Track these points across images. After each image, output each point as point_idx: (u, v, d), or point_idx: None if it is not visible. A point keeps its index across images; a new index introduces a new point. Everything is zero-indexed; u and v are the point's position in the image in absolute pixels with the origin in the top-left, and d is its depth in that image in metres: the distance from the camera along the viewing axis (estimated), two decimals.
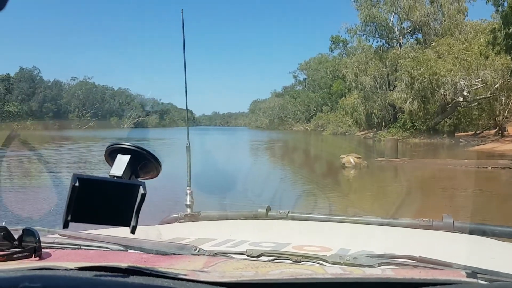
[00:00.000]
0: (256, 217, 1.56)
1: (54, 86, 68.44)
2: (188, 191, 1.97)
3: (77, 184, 0.57)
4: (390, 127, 32.22)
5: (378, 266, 0.81)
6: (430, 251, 0.92)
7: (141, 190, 0.60)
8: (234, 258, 0.88)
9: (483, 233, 1.29)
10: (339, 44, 36.39)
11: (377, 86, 32.76)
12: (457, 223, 1.33)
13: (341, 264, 0.83)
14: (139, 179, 0.67)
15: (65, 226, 0.58)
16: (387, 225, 1.40)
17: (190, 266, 0.77)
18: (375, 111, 35.69)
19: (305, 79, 69.44)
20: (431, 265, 0.79)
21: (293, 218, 1.52)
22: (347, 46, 36.25)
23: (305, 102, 65.04)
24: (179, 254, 0.89)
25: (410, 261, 0.83)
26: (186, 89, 2.12)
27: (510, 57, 19.47)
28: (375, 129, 36.65)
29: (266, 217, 1.54)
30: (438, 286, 0.57)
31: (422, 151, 21.30)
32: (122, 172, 0.64)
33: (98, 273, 0.65)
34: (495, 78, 22.26)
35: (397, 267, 0.80)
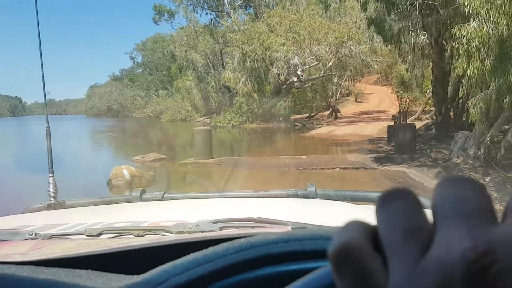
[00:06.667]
0: (130, 201, 1.45)
1: None
2: (50, 179, 1.63)
3: None
4: (226, 112, 28.14)
5: (219, 230, 0.81)
6: (291, 215, 0.98)
7: None
8: (71, 239, 0.85)
9: (342, 199, 1.35)
10: (164, 15, 30.66)
11: (210, 65, 28.18)
12: (320, 190, 1.37)
13: (184, 233, 0.81)
14: None
15: None
16: (258, 197, 1.43)
17: (13, 250, 0.73)
18: (212, 93, 31.23)
19: (143, 60, 61.88)
20: (268, 224, 0.83)
21: (170, 199, 1.43)
22: (174, 17, 30.76)
23: (144, 86, 57.68)
24: (11, 240, 0.86)
25: (249, 222, 0.86)
26: (43, 74, 1.80)
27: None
28: (215, 114, 32.36)
29: (141, 200, 1.42)
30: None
31: (254, 140, 17.33)
32: None
33: None
34: (329, 54, 19.48)
35: (237, 229, 0.81)
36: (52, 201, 1.49)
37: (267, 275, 0.41)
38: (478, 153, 6.87)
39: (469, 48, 4.70)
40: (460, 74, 4.93)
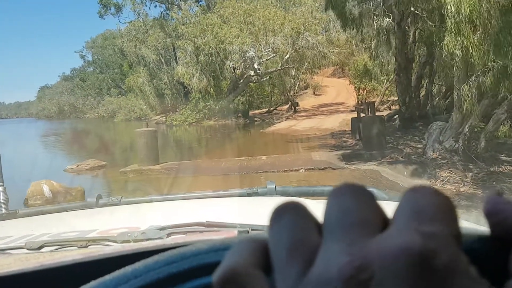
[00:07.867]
0: (86, 207, 1.35)
1: None
2: (0, 188, 1.62)
3: None
4: (182, 109, 26.58)
5: (167, 237, 0.79)
6: (246, 215, 0.97)
7: None
8: (11, 253, 0.81)
9: (301, 194, 1.33)
10: (110, 9, 28.53)
11: (162, 60, 26.46)
12: (279, 187, 1.34)
13: (129, 242, 0.79)
14: None
15: None
16: (218, 197, 1.40)
17: None
18: (166, 90, 29.51)
19: (94, 59, 58.60)
20: (216, 228, 0.81)
21: (128, 203, 1.35)
22: (121, 11, 28.67)
23: (95, 85, 54.53)
24: None
25: (198, 227, 0.83)
26: None
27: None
28: (171, 112, 30.60)
29: (97, 205, 1.32)
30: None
31: (211, 138, 16.08)
32: None
33: None
34: (286, 46, 18.48)
35: (184, 234, 0.79)
36: (4, 211, 1.42)
37: None
38: (456, 146, 6.05)
39: (458, 20, 3.78)
40: (451, 53, 4.04)
